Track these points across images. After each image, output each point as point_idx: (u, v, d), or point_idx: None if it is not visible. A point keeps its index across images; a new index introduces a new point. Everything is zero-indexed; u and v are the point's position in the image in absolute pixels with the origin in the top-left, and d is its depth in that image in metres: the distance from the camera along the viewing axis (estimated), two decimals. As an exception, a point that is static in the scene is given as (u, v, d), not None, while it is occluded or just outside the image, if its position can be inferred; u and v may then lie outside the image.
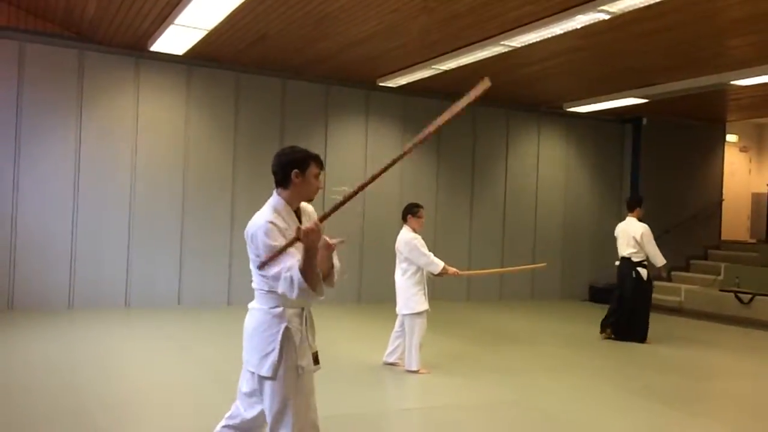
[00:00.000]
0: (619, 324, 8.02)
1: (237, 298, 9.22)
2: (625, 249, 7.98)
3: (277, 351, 2.80)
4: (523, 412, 4.93)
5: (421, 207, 6.09)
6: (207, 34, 7.67)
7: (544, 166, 11.89)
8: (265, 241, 2.76)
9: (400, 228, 6.10)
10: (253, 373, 2.87)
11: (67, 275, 8.46)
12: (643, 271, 7.89)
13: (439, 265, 5.83)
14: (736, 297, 10.21)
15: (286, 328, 2.83)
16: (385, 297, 10.35)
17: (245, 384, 2.95)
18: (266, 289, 2.86)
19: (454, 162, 11.11)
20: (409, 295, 5.84)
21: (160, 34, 7.75)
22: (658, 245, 8.00)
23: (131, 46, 8.59)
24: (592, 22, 6.56)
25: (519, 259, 11.61)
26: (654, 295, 11.68)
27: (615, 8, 6.18)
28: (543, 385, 5.74)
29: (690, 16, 6.61)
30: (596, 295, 11.89)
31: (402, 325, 5.95)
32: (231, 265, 9.34)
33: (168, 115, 9.09)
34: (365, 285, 10.12)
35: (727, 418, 5.09)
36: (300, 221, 2.92)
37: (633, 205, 8.19)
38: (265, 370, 2.80)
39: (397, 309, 5.94)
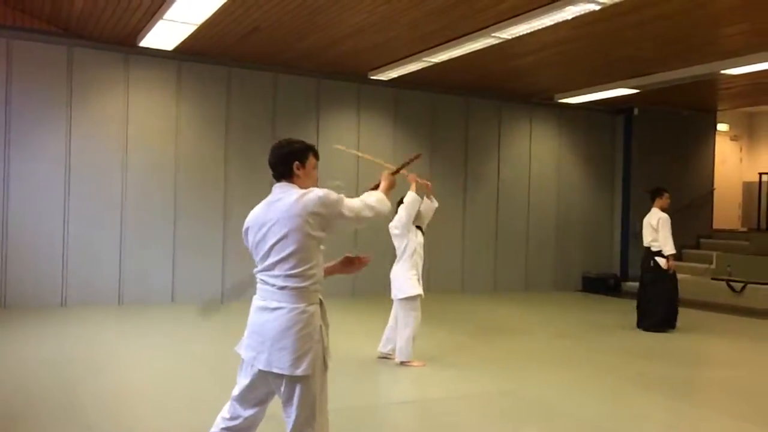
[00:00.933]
0: (638, 313, 8.20)
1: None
2: (646, 239, 8.13)
3: (314, 349, 2.75)
4: (518, 403, 4.94)
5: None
6: (197, 29, 7.63)
7: (537, 157, 11.91)
8: (335, 201, 2.81)
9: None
10: (278, 375, 2.75)
11: (59, 273, 8.42)
12: (661, 261, 7.97)
13: (410, 194, 5.76)
14: (728, 285, 10.27)
15: (320, 326, 2.81)
16: (380, 290, 10.35)
17: (246, 386, 2.84)
18: (300, 285, 2.76)
19: (447, 153, 11.10)
20: (403, 280, 5.81)
21: (150, 30, 7.69)
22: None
23: (120, 41, 8.52)
24: (583, 12, 6.55)
25: (512, 249, 11.64)
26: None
27: (606, -2, 6.18)
28: (538, 375, 5.76)
29: (681, 6, 6.62)
30: (589, 285, 11.94)
31: (395, 315, 5.93)
32: (224, 261, 9.32)
33: (159, 110, 9.04)
34: (359, 278, 10.11)
35: (724, 407, 5.13)
36: None
37: (651, 196, 8.33)
38: (302, 370, 2.71)
39: (392, 295, 5.92)
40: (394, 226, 5.88)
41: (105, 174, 8.69)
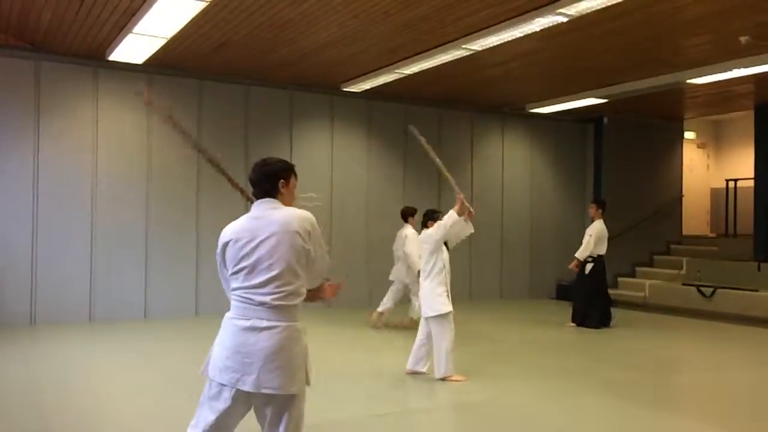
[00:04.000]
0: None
1: (205, 309, 9.10)
2: None
3: (306, 365, 2.77)
4: (494, 413, 4.95)
5: (441, 213, 5.99)
6: (166, 43, 7.58)
7: (509, 167, 12.02)
8: (319, 235, 2.87)
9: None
10: (268, 396, 2.68)
11: (28, 290, 8.26)
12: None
13: (452, 213, 5.65)
14: (699, 291, 10.43)
15: (305, 340, 2.82)
16: (355, 301, 10.33)
17: (224, 411, 2.72)
18: (294, 301, 2.74)
19: (421, 164, 11.12)
20: (434, 296, 5.72)
21: (119, 43, 7.63)
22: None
23: (89, 55, 8.43)
24: (551, 24, 6.65)
25: (487, 258, 11.70)
26: (619, 291, 11.97)
27: (573, 10, 6.28)
28: (513, 384, 5.78)
29: (646, 17, 6.75)
30: (563, 292, 12.03)
31: (427, 332, 5.83)
32: (198, 275, 9.22)
33: (129, 125, 8.94)
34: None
35: (695, 411, 5.20)
36: None
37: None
38: (296, 388, 2.70)
39: (422, 313, 5.82)
40: (426, 241, 5.78)
41: (74, 190, 8.56)
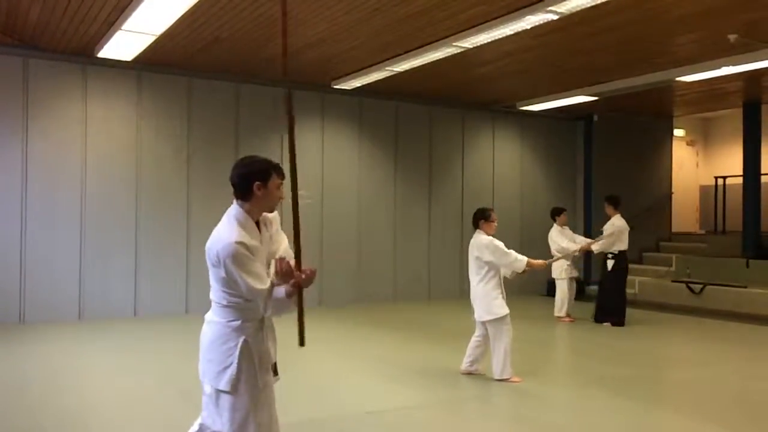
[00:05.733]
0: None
1: (195, 307, 9.07)
2: None
3: (235, 365, 2.75)
4: (484, 410, 4.97)
5: (492, 210, 5.96)
6: (156, 39, 7.53)
7: (500, 164, 12.04)
8: (234, 268, 2.64)
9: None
10: (210, 386, 2.84)
11: (17, 289, 8.21)
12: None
13: (523, 260, 5.70)
14: (688, 287, 10.50)
15: (245, 341, 2.78)
16: (348, 298, 10.33)
17: (205, 395, 2.89)
18: (224, 303, 2.80)
19: (412, 161, 11.15)
20: (490, 300, 5.69)
21: (108, 40, 7.58)
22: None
23: (78, 52, 8.37)
24: (541, 22, 6.66)
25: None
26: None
27: (563, 8, 6.29)
28: (503, 382, 5.79)
29: (636, 15, 6.78)
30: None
31: (482, 333, 5.81)
32: (188, 273, 9.19)
33: (118, 122, 8.89)
34: (327, 287, 10.07)
35: (686, 407, 5.23)
36: (260, 231, 2.85)
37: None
38: (223, 384, 2.76)
39: (476, 316, 5.77)
40: (487, 260, 5.70)
41: (63, 187, 8.51)
